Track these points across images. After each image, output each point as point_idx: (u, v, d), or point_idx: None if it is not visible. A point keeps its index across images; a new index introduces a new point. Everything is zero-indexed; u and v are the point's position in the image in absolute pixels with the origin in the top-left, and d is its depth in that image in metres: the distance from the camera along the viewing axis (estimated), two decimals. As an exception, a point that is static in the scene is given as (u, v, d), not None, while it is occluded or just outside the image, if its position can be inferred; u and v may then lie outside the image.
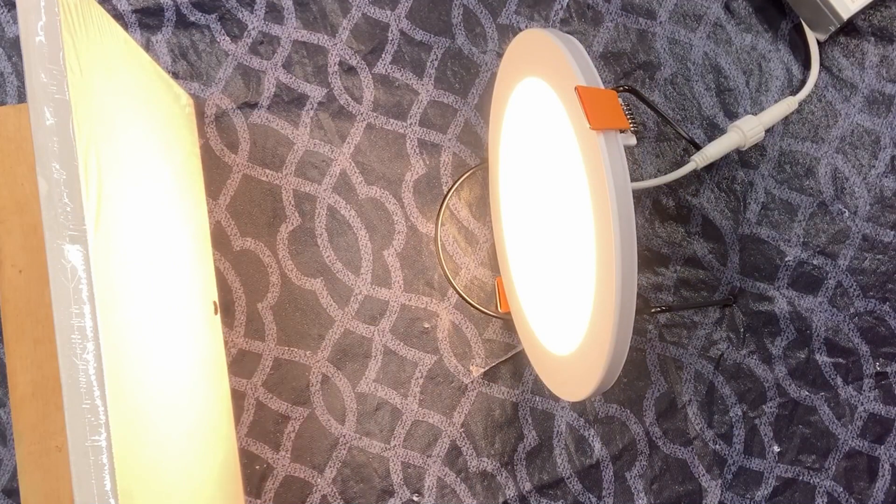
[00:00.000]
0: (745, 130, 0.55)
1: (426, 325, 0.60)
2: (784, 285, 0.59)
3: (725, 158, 0.57)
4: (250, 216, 0.60)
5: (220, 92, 0.60)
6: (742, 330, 0.59)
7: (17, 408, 0.50)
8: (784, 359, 0.59)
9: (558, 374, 0.49)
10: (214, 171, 0.60)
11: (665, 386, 0.59)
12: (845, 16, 0.55)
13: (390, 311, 0.59)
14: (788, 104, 0.57)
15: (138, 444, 0.37)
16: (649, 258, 0.59)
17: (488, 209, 0.59)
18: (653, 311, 0.58)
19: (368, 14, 0.60)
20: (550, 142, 0.45)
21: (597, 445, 0.59)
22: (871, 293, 0.59)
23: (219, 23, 0.60)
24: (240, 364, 0.59)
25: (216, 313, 0.57)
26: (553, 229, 0.48)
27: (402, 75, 0.60)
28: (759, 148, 0.59)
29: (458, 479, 0.59)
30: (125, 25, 0.60)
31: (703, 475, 0.59)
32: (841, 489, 0.59)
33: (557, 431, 0.59)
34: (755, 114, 0.58)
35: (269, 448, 0.59)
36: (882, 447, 0.59)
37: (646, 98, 0.54)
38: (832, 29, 0.56)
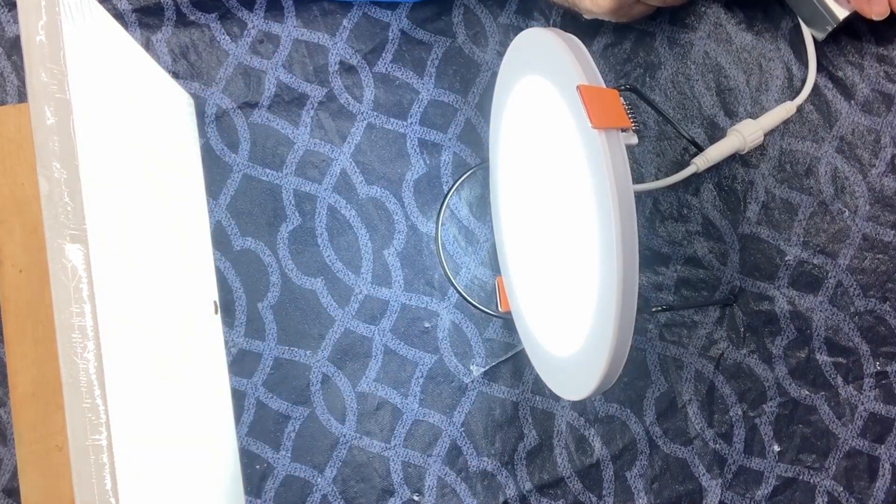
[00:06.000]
0: (746, 135, 0.56)
1: (426, 325, 0.60)
2: (784, 284, 0.59)
3: (725, 158, 0.57)
4: (250, 216, 0.60)
5: (221, 91, 0.60)
6: (742, 329, 0.59)
7: (17, 407, 0.50)
8: (784, 358, 0.59)
9: (559, 374, 0.49)
10: (214, 171, 0.60)
11: (665, 385, 0.59)
12: (840, 15, 0.55)
13: (390, 311, 0.59)
14: (787, 109, 0.58)
15: (138, 443, 0.37)
16: (650, 257, 0.59)
17: (488, 208, 0.59)
18: (653, 310, 0.58)
19: (369, 13, 0.60)
20: (551, 141, 0.45)
21: (597, 445, 0.59)
22: (872, 292, 0.59)
23: (219, 22, 0.60)
24: (240, 364, 0.59)
25: (216, 313, 0.57)
26: (554, 228, 0.48)
27: (402, 74, 0.60)
28: (759, 147, 0.59)
29: (459, 478, 0.59)
30: (125, 25, 0.60)
31: (704, 475, 0.59)
32: (841, 489, 0.59)
33: (558, 431, 0.59)
34: (755, 116, 0.58)
35: (269, 447, 0.59)
36: (882, 447, 0.59)
37: (647, 97, 0.54)
38: (829, 28, 0.56)
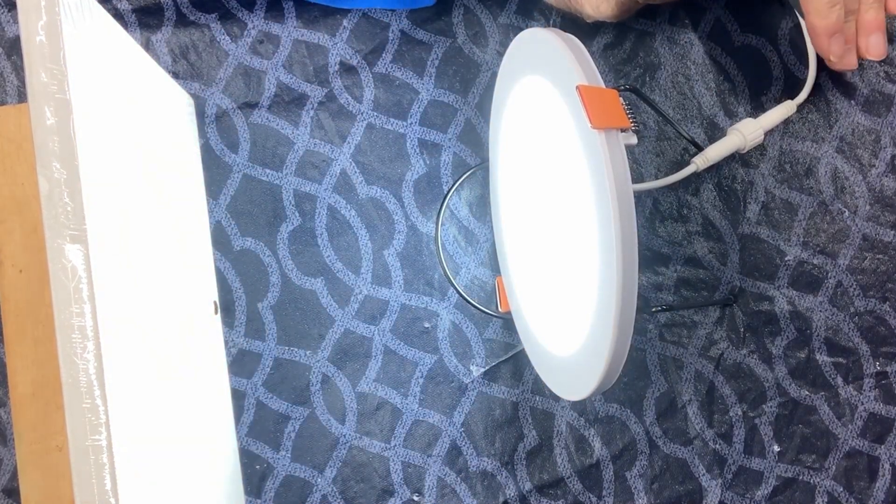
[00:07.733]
0: (746, 134, 0.56)
1: (426, 325, 0.60)
2: (784, 285, 0.59)
3: (725, 158, 0.57)
4: (250, 216, 0.60)
5: (221, 92, 0.60)
6: (742, 329, 0.59)
7: (17, 407, 0.50)
8: (784, 358, 0.59)
9: (558, 374, 0.49)
10: (214, 171, 0.60)
11: (665, 386, 0.59)
12: None
13: (390, 311, 0.59)
14: (787, 108, 0.57)
15: (138, 443, 0.37)
16: (649, 258, 0.59)
17: (488, 209, 0.59)
18: (653, 310, 0.58)
19: (369, 13, 0.60)
20: (551, 141, 0.45)
21: (597, 445, 0.59)
22: (871, 293, 0.59)
23: (219, 22, 0.60)
24: (240, 364, 0.59)
25: (216, 313, 0.57)
26: (553, 229, 0.48)
27: (402, 74, 0.60)
28: (759, 147, 0.59)
29: (459, 478, 0.59)
30: (125, 25, 0.60)
31: (703, 475, 0.59)
32: (841, 489, 0.59)
33: (557, 431, 0.59)
34: (755, 115, 0.58)
35: (269, 448, 0.59)
36: (882, 447, 0.59)
37: (647, 97, 0.54)
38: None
